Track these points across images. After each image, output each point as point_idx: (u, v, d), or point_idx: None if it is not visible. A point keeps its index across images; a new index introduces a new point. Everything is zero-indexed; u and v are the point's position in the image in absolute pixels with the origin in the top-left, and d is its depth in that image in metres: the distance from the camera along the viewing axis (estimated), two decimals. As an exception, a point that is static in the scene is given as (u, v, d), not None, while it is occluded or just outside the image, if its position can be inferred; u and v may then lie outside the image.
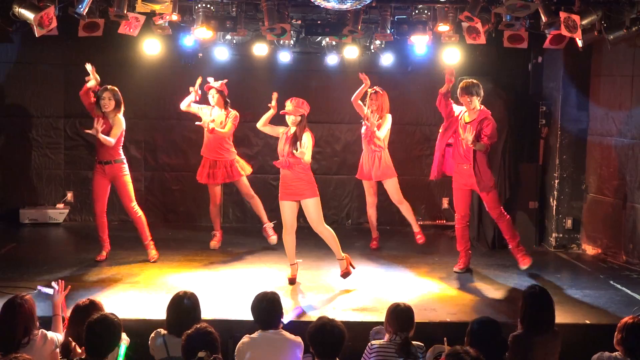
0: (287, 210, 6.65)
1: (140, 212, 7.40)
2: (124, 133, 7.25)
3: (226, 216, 9.27)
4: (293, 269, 6.79)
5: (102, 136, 6.99)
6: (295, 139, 6.49)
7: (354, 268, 6.83)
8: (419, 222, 8.17)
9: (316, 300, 6.26)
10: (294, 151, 6.42)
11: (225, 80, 7.86)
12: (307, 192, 6.58)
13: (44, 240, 8.64)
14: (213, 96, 7.82)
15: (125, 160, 7.31)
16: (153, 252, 7.41)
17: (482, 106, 7.01)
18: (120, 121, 7.19)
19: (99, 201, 7.30)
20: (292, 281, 6.72)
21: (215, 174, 7.89)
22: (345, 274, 6.71)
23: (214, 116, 7.83)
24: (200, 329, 4.07)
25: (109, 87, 7.21)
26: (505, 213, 7.19)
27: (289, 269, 6.82)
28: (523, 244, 7.30)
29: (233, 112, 7.84)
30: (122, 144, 7.29)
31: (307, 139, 6.50)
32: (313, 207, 6.59)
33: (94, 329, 4.01)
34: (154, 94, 9.09)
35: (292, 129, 6.59)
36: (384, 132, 7.79)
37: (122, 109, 7.25)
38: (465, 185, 7.11)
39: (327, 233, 6.68)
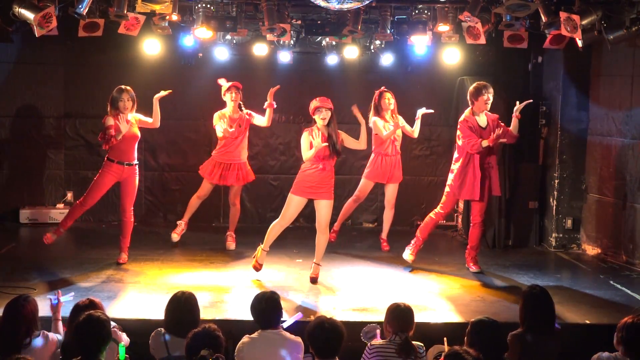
0: (296, 205, 6.66)
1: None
2: None
3: (225, 216, 9.25)
4: (263, 254, 6.74)
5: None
6: (333, 140, 6.55)
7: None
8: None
9: (316, 300, 6.26)
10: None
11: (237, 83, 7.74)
12: (327, 193, 6.66)
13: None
14: (235, 95, 7.65)
15: None
16: (125, 256, 7.24)
17: None
18: (141, 116, 7.22)
19: (96, 197, 7.08)
20: (257, 268, 6.73)
21: (226, 175, 7.70)
22: (314, 279, 6.73)
23: (231, 117, 7.67)
24: (208, 329, 4.05)
25: (123, 87, 7.04)
26: (483, 225, 7.21)
27: (259, 253, 6.74)
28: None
29: (244, 113, 7.76)
30: None
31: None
32: (328, 209, 6.66)
33: (80, 331, 3.99)
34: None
35: (322, 142, 6.50)
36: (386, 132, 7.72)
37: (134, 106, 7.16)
38: None
39: (324, 238, 6.71)
